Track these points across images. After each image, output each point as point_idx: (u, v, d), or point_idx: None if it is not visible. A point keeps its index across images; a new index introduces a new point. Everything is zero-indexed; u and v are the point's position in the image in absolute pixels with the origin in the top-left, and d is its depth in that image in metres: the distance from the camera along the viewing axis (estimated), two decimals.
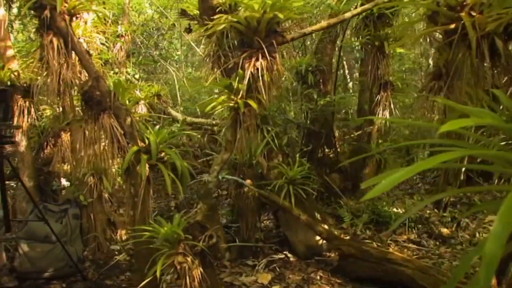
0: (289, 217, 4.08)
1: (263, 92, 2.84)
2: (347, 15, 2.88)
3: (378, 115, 4.44)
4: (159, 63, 7.80)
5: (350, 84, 8.50)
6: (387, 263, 3.51)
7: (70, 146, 4.43)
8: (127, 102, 3.16)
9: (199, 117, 7.05)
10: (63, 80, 3.88)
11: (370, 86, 4.49)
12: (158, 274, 2.70)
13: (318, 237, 4.07)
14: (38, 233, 4.04)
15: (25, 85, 4.55)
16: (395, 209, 4.56)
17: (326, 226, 3.99)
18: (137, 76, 6.59)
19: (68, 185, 4.67)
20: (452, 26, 2.39)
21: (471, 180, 4.70)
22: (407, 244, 4.20)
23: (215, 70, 4.38)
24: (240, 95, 2.84)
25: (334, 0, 4.17)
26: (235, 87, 2.88)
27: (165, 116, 6.94)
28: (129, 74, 6.49)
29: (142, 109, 6.46)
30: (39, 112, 4.86)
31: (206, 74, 4.51)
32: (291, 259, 4.03)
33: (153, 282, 3.34)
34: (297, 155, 4.06)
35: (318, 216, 4.09)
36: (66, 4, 3.04)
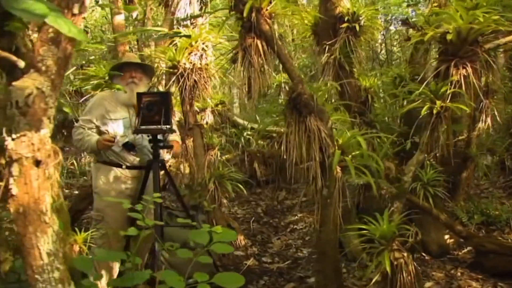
0: (422, 217, 4.28)
1: (465, 99, 3.07)
2: None
3: (480, 121, 4.77)
4: None
5: None
6: None
7: (193, 151, 4.38)
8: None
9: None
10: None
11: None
12: (388, 270, 2.79)
13: (447, 236, 4.31)
14: (176, 240, 3.93)
15: None
16: (496, 212, 4.88)
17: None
18: None
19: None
20: None
21: None
22: None
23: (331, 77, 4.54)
24: (447, 100, 3.04)
25: None
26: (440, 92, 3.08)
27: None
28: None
29: (209, 116, 6.45)
30: None
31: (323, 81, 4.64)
32: (426, 257, 4.22)
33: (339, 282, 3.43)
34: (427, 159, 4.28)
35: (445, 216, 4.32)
36: (268, 8, 3.09)
